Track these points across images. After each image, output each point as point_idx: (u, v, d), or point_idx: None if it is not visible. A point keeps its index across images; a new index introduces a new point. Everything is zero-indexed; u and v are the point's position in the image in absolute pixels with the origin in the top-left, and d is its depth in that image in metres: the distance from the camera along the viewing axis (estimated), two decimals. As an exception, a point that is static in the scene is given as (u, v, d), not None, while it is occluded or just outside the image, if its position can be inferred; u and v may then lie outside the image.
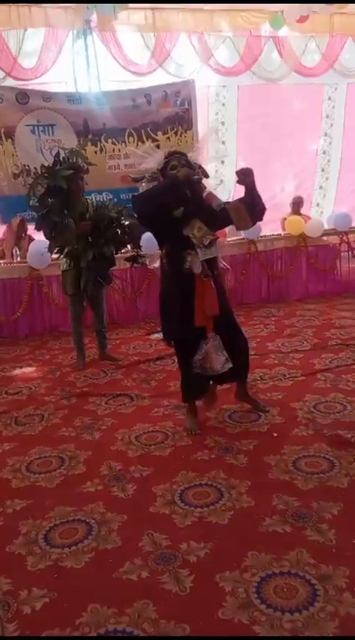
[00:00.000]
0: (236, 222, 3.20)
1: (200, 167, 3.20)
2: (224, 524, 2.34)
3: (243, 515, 2.40)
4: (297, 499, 2.47)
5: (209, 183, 3.23)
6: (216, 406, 3.46)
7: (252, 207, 3.17)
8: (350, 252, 6.80)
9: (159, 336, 3.43)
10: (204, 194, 3.13)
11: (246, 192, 3.18)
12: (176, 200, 3.00)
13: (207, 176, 3.22)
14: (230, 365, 3.12)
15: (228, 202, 3.21)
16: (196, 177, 3.05)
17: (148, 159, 3.23)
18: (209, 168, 3.26)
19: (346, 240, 6.73)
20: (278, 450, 2.92)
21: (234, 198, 3.29)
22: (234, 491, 2.57)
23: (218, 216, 3.12)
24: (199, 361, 3.10)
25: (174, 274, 3.15)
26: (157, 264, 3.37)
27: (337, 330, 5.09)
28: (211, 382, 3.35)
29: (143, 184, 3.24)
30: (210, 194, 3.14)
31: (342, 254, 6.80)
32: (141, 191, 3.25)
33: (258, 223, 6.24)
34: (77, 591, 2.02)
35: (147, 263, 5.44)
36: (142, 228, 5.29)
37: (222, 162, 7.56)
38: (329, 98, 8.21)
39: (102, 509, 2.53)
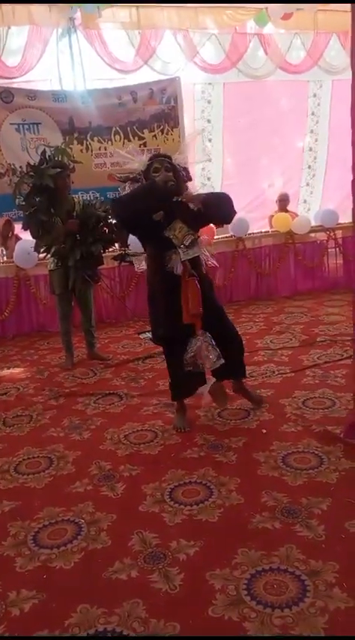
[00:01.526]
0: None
1: (185, 169, 3.21)
2: (213, 522, 2.34)
3: (233, 512, 2.40)
4: (287, 495, 2.47)
5: (194, 183, 3.24)
6: (207, 405, 3.44)
7: (215, 206, 3.16)
8: (337, 249, 6.83)
9: (149, 335, 3.42)
10: (184, 194, 3.14)
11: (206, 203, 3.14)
12: (152, 205, 3.02)
13: (190, 179, 3.23)
14: (222, 361, 3.09)
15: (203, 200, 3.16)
16: (172, 184, 3.04)
17: (132, 160, 3.25)
18: (194, 168, 3.26)
19: (333, 236, 6.76)
20: (268, 447, 2.92)
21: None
22: (223, 489, 2.57)
23: (198, 215, 3.12)
24: (190, 359, 3.08)
25: (158, 275, 3.16)
26: (144, 265, 3.38)
27: (325, 326, 5.11)
28: (214, 380, 3.25)
29: (126, 186, 3.24)
30: (189, 194, 3.17)
31: (329, 250, 6.83)
32: (122, 194, 3.25)
33: (246, 220, 6.32)
34: (66, 592, 2.01)
35: (134, 263, 5.44)
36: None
37: (209, 159, 7.57)
38: (315, 95, 8.23)
39: (91, 509, 2.52)
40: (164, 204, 3.03)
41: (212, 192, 3.19)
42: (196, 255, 3.12)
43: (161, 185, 3.02)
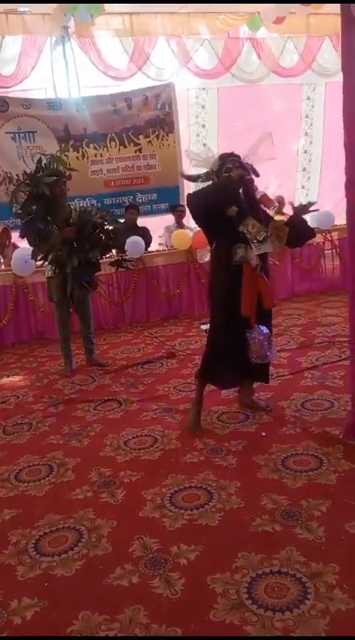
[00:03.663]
0: (271, 238, 3.25)
1: (251, 167, 3.27)
2: (214, 526, 2.34)
3: (233, 516, 2.40)
4: (286, 498, 2.47)
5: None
6: (205, 407, 3.44)
7: (296, 234, 3.26)
8: (333, 250, 6.85)
9: (208, 326, 3.51)
10: (259, 195, 3.28)
11: (297, 222, 3.28)
12: (228, 199, 3.12)
13: (257, 175, 3.30)
14: (272, 357, 3.28)
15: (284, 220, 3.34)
16: (248, 177, 3.15)
17: (202, 161, 3.32)
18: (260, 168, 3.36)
19: (330, 238, 6.78)
20: (267, 450, 2.93)
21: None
22: (223, 493, 2.58)
23: (265, 220, 3.22)
24: (258, 348, 3.16)
25: (224, 268, 3.22)
26: (207, 258, 3.47)
27: (323, 328, 5.12)
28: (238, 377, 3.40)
29: (199, 184, 3.33)
30: (265, 196, 3.29)
31: (326, 252, 6.84)
32: (194, 189, 3.34)
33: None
34: (68, 599, 2.01)
35: (131, 267, 5.45)
36: (126, 232, 5.32)
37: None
38: (308, 98, 8.29)
39: (91, 515, 2.52)
40: (237, 199, 3.13)
41: (303, 219, 3.33)
42: (267, 251, 3.21)
43: (236, 180, 3.11)
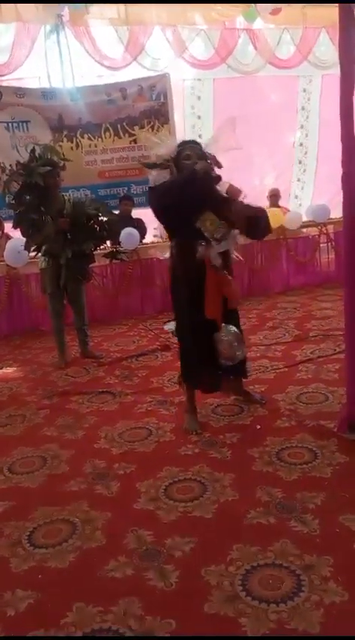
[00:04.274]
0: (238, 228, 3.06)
1: (213, 157, 3.09)
2: (208, 518, 2.34)
3: (228, 508, 2.40)
4: (281, 490, 2.47)
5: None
6: (200, 400, 3.43)
7: (252, 226, 3.06)
8: (329, 244, 6.85)
9: (172, 326, 3.38)
10: (226, 188, 3.02)
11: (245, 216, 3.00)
12: (194, 196, 2.91)
13: (220, 167, 3.10)
14: (242, 356, 3.14)
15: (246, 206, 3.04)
16: (214, 174, 2.96)
17: (161, 145, 3.14)
18: (222, 159, 3.19)
19: (325, 231, 6.78)
20: (262, 442, 2.93)
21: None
22: (218, 485, 2.57)
23: (230, 210, 3.01)
24: (226, 350, 3.06)
25: (184, 265, 3.08)
26: (167, 254, 3.27)
27: (318, 321, 5.13)
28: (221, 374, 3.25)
29: (153, 173, 3.12)
30: (231, 187, 3.02)
31: (321, 245, 6.85)
32: (151, 181, 3.14)
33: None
34: (62, 591, 2.00)
35: (125, 258, 5.41)
36: (121, 224, 5.27)
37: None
38: (304, 90, 8.25)
39: (86, 507, 2.51)
40: (203, 194, 2.93)
41: (255, 206, 3.06)
42: (227, 248, 3.05)
43: (201, 175, 2.90)
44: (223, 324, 3.08)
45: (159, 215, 3.09)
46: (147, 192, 3.11)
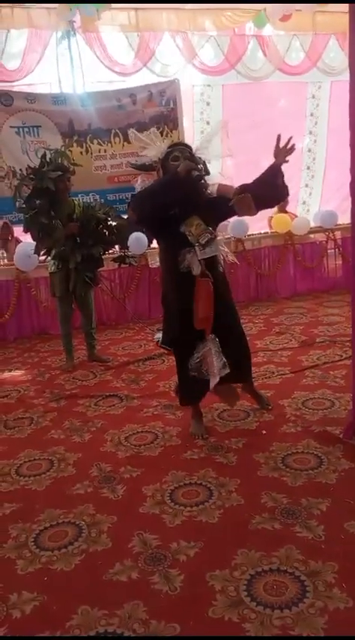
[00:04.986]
0: (239, 211, 2.96)
1: (204, 163, 3.04)
2: (214, 523, 2.35)
3: (233, 513, 2.41)
4: (286, 496, 2.48)
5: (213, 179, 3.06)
6: (207, 404, 3.44)
7: (265, 194, 2.92)
8: (336, 250, 6.84)
9: (159, 337, 3.31)
10: (216, 187, 2.96)
11: (269, 175, 2.92)
12: (177, 198, 2.82)
13: (207, 173, 3.03)
14: (227, 370, 2.95)
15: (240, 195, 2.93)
16: (197, 174, 2.86)
17: (150, 146, 3.07)
18: (213, 165, 3.10)
19: (332, 237, 6.77)
20: (267, 448, 2.93)
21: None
22: (223, 490, 2.58)
23: (220, 209, 2.97)
24: (196, 364, 2.96)
25: (171, 273, 3.00)
26: (157, 261, 3.23)
27: (324, 327, 5.12)
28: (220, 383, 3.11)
29: (138, 181, 3.09)
30: (222, 186, 2.96)
31: (329, 251, 6.84)
32: (137, 189, 3.08)
33: (246, 222, 6.29)
34: (67, 594, 2.02)
35: (134, 263, 5.43)
36: (131, 228, 5.29)
37: (209, 161, 7.57)
38: (313, 96, 8.24)
39: (92, 510, 2.52)
40: (186, 197, 2.83)
41: (275, 176, 2.93)
42: (213, 254, 2.95)
43: (183, 175, 2.81)
44: (210, 336, 2.95)
45: (142, 222, 3.02)
46: (131, 203, 3.01)
